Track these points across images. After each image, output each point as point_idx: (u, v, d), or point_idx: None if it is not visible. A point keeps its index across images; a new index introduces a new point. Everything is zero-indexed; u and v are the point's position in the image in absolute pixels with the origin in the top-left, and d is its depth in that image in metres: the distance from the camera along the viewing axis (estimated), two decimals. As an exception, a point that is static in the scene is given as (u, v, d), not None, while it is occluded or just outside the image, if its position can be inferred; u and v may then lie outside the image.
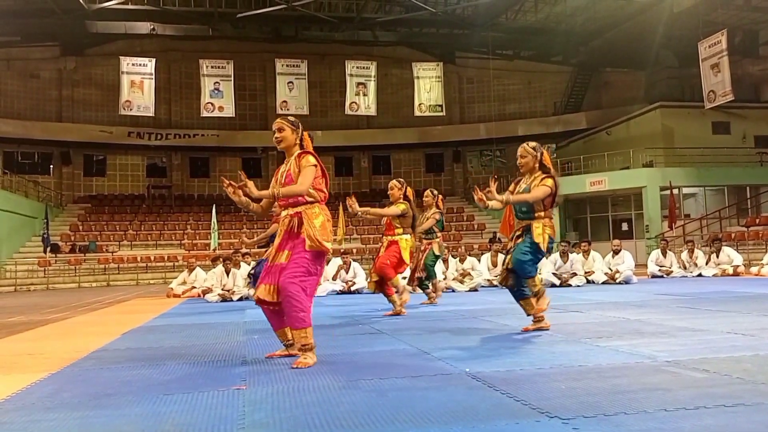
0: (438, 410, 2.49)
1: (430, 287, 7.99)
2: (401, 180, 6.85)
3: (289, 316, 3.71)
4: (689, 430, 2.14)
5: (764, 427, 2.16)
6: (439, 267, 9.56)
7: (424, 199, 7.92)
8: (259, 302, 3.87)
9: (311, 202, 3.87)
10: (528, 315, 4.82)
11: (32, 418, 2.64)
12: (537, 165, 4.79)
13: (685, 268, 12.35)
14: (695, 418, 2.27)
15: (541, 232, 4.69)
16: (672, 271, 12.32)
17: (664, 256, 12.68)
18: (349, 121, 30.23)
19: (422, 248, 7.80)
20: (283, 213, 3.96)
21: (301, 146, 3.98)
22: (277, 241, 3.93)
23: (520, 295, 4.82)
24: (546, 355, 3.71)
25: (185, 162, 31.41)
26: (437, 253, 7.85)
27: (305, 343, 3.69)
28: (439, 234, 7.88)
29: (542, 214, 4.75)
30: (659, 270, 12.49)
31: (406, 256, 6.63)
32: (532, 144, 4.89)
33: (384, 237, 6.87)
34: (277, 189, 3.85)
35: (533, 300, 4.78)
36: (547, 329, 4.71)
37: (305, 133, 4.04)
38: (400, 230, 6.68)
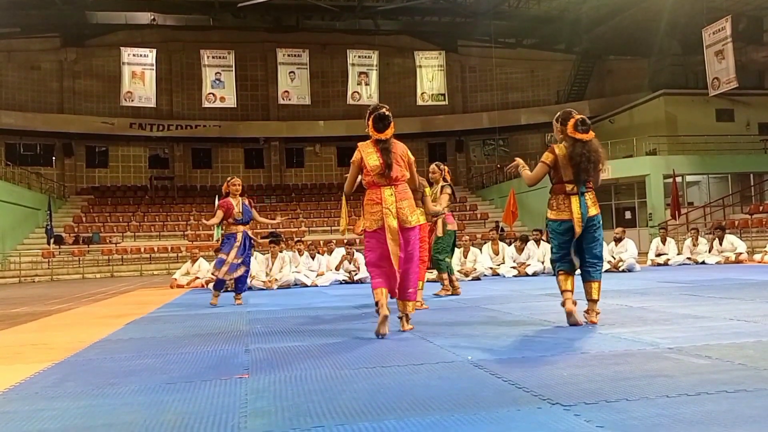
0: (440, 398, 2.50)
1: (445, 276, 7.40)
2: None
3: None
4: (691, 415, 2.14)
5: (766, 412, 2.15)
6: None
7: (430, 174, 7.05)
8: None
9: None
10: None
11: (36, 407, 2.65)
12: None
13: (690, 257, 12.33)
14: (697, 404, 2.27)
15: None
16: (670, 259, 12.30)
17: (664, 244, 12.68)
18: (351, 110, 30.04)
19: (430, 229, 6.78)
20: None
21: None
22: None
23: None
24: (548, 343, 3.72)
25: (187, 153, 31.34)
26: (439, 233, 6.98)
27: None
28: (446, 210, 6.95)
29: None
30: (657, 257, 12.50)
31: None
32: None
33: None
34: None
35: None
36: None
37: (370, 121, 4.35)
38: None
